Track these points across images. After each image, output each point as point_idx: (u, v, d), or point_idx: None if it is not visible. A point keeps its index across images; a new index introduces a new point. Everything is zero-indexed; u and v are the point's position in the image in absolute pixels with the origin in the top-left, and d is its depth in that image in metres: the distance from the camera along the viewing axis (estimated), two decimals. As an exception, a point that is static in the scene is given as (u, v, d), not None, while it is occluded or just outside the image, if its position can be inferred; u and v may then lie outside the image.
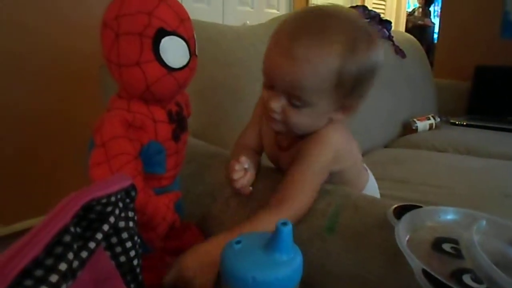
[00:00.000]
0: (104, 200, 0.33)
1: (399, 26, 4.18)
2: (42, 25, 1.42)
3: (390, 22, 1.74)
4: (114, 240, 0.36)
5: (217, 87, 0.94)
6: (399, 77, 1.72)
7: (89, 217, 0.32)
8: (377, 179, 0.77)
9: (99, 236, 0.32)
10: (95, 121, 0.48)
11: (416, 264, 0.37)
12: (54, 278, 0.26)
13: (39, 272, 0.26)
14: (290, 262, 0.39)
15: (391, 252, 0.45)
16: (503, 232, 0.44)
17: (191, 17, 0.52)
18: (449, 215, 0.48)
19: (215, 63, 0.96)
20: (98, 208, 0.33)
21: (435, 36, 3.94)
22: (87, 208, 0.31)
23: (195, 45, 0.52)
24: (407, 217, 0.45)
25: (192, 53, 0.51)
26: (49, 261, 0.27)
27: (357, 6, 1.74)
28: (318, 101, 0.55)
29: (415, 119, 1.70)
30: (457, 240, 0.42)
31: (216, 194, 0.64)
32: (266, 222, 0.51)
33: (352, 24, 0.55)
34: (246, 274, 0.37)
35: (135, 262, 0.38)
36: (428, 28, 4.68)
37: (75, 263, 0.28)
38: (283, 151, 0.65)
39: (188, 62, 0.50)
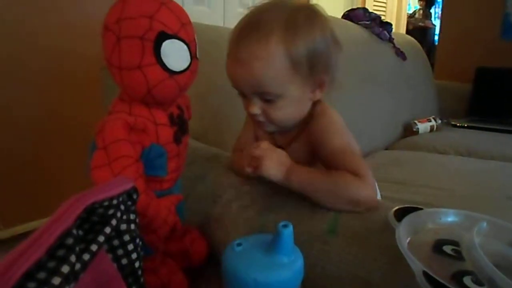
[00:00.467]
0: (106, 203, 0.33)
1: (399, 28, 4.18)
2: (43, 27, 1.43)
3: (390, 24, 1.74)
4: (116, 242, 0.36)
5: (218, 89, 0.94)
6: (400, 79, 1.72)
7: (91, 220, 0.33)
8: (378, 181, 0.76)
9: (101, 238, 0.32)
10: (96, 123, 0.48)
11: (417, 266, 0.37)
12: (56, 280, 0.26)
13: (42, 275, 0.26)
14: (291, 264, 0.39)
15: (392, 254, 0.45)
16: (504, 234, 0.44)
17: (192, 19, 0.53)
18: (450, 217, 0.48)
19: (216, 66, 0.96)
20: (100, 210, 0.33)
21: (436, 38, 3.95)
22: (89, 210, 0.32)
23: (196, 48, 0.52)
24: (408, 219, 0.45)
25: (193, 56, 0.51)
26: (52, 264, 0.27)
27: (357, 8, 1.74)
28: (287, 89, 0.56)
29: (416, 121, 1.70)
30: (458, 242, 0.42)
31: (217, 197, 0.64)
32: (348, 183, 0.53)
33: (286, 7, 0.56)
34: (248, 276, 0.37)
35: (137, 264, 0.38)
36: (429, 30, 4.69)
37: (77, 266, 0.29)
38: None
39: (189, 65, 0.51)
